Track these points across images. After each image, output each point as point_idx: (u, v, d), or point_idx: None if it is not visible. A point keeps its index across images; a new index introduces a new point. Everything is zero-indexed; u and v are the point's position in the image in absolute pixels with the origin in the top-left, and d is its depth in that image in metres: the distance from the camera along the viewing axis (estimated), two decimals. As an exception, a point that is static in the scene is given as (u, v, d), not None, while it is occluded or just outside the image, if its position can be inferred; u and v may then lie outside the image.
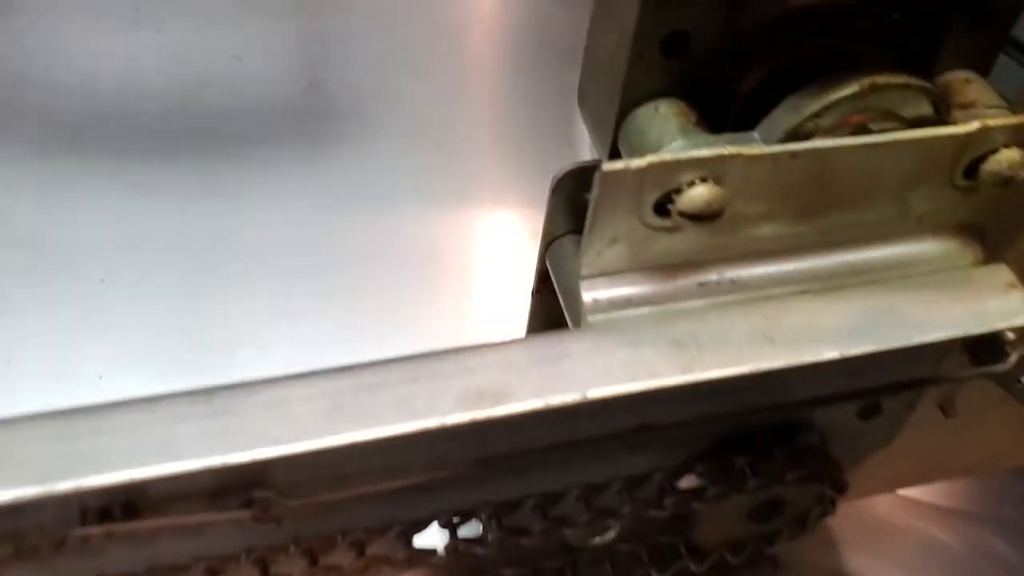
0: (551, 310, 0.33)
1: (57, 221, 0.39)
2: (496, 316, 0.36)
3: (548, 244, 0.30)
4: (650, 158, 0.22)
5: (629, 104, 0.25)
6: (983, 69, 0.27)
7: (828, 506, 0.31)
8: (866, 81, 0.23)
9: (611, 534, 0.32)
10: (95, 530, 0.22)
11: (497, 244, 0.37)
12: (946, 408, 0.36)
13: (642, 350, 0.24)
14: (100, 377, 0.34)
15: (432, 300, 0.38)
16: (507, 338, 0.24)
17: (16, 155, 0.41)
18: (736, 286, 0.25)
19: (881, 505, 0.42)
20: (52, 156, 0.41)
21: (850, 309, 0.25)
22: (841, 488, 0.31)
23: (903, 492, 0.42)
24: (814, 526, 0.32)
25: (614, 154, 0.26)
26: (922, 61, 0.26)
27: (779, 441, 0.30)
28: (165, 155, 0.41)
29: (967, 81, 0.26)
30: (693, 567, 0.32)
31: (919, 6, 0.24)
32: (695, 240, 0.25)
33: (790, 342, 0.24)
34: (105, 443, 0.21)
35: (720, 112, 0.25)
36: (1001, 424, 0.39)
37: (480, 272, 0.39)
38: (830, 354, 0.24)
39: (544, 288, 0.32)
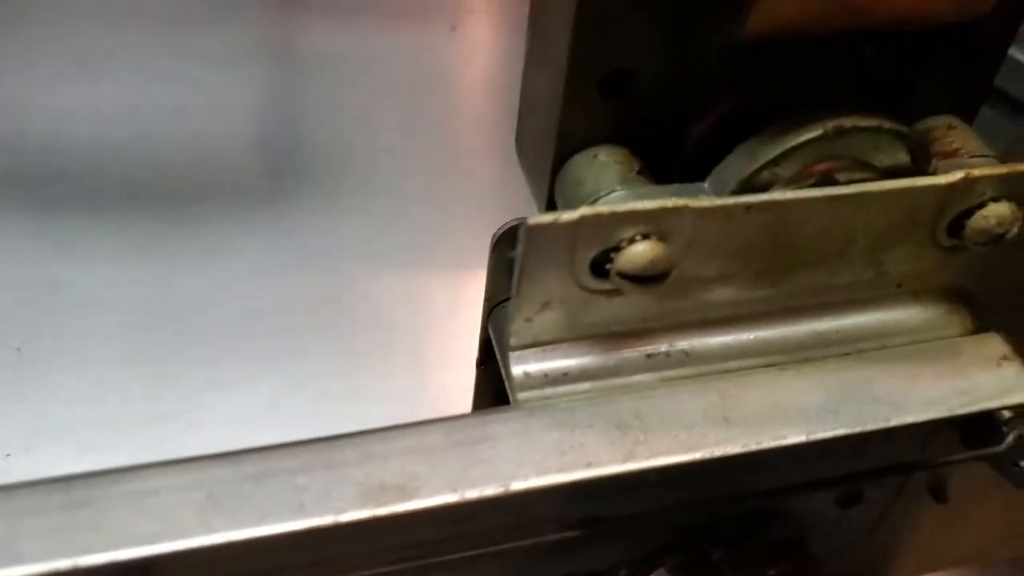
0: (499, 382, 0.30)
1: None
2: (448, 388, 0.32)
3: (490, 310, 0.27)
4: (583, 210, 0.19)
5: (565, 151, 0.22)
6: (968, 114, 0.24)
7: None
8: (830, 124, 0.20)
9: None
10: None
11: (451, 308, 0.34)
12: (938, 493, 0.32)
13: (578, 433, 0.20)
14: (8, 455, 0.31)
15: (378, 370, 0.35)
16: (458, 412, 0.21)
17: None
18: (690, 358, 0.22)
19: None
20: None
21: (819, 385, 0.22)
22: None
23: None
24: None
25: (551, 206, 0.23)
26: (899, 104, 0.23)
27: (749, 533, 0.27)
28: (94, 215, 0.38)
29: (950, 127, 0.23)
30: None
31: (895, 42, 0.21)
32: (641, 305, 0.21)
33: (749, 423, 0.21)
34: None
35: (668, 160, 0.23)
36: (999, 510, 0.35)
37: (431, 339, 0.36)
38: (795, 438, 0.21)
39: (489, 358, 0.29)
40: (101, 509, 0.18)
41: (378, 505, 0.19)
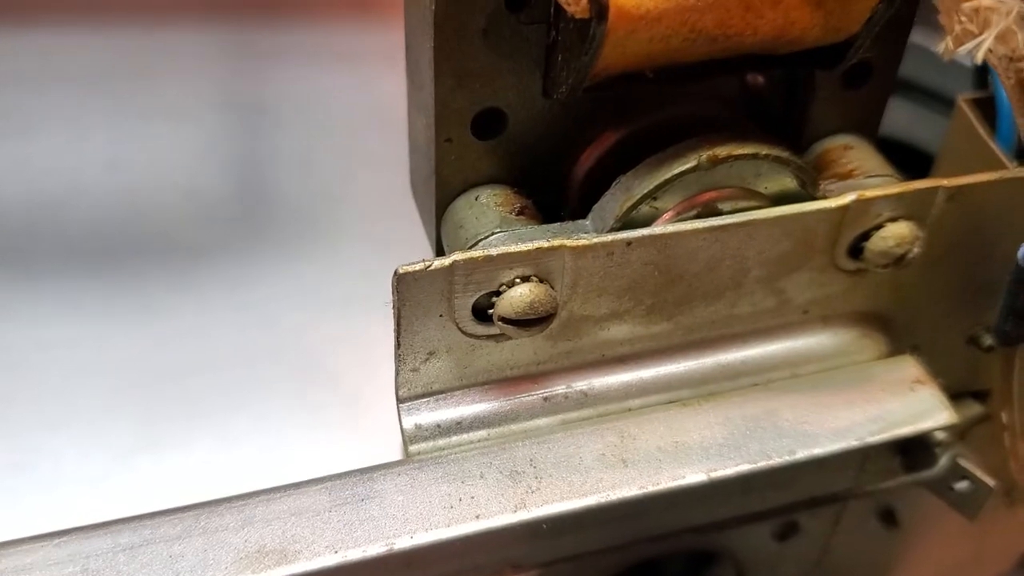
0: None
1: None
2: (392, 433, 0.31)
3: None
4: (455, 256, 0.19)
5: (447, 193, 0.21)
6: (868, 132, 0.24)
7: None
8: (704, 155, 0.19)
9: None
10: None
11: (391, 354, 0.33)
12: (886, 519, 0.31)
13: (468, 484, 0.20)
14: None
15: (318, 420, 0.35)
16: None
17: None
18: (589, 399, 0.21)
19: None
20: None
21: (722, 421, 0.21)
22: None
23: None
24: None
25: (440, 250, 0.22)
26: (795, 127, 0.23)
27: (683, 572, 0.26)
28: (26, 274, 0.38)
29: (847, 147, 0.23)
30: None
31: (777, 66, 0.21)
32: (534, 347, 0.21)
33: (648, 464, 0.20)
34: None
35: (559, 197, 0.22)
36: (959, 533, 0.34)
37: (373, 387, 0.36)
38: (694, 477, 0.20)
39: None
40: None
41: (255, 571, 0.18)
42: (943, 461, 0.25)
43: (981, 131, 0.27)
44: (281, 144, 0.44)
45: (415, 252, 0.33)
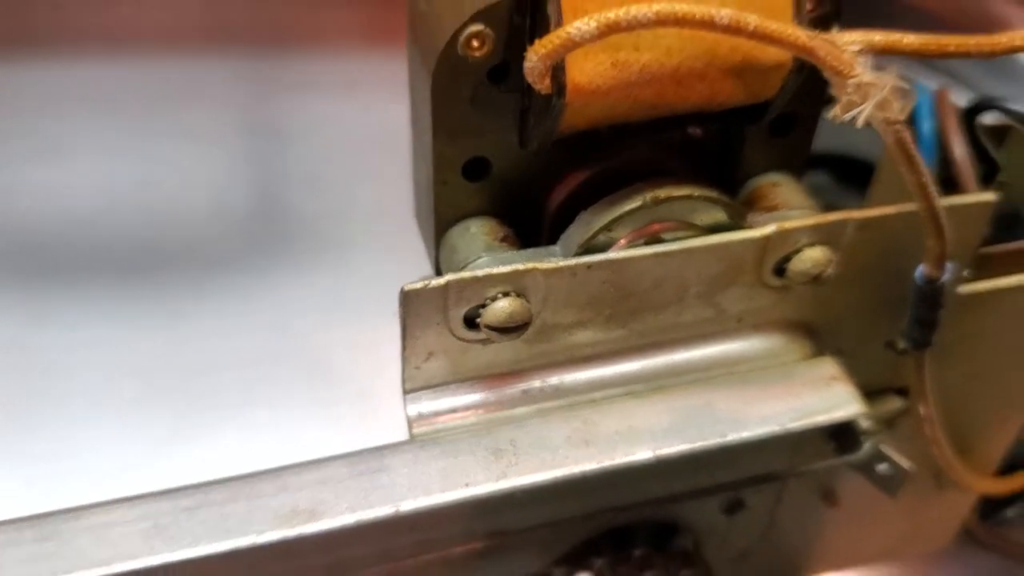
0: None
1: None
2: (397, 423, 0.36)
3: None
4: (449, 277, 0.23)
5: (444, 224, 0.26)
6: (795, 169, 0.28)
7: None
8: (648, 196, 0.24)
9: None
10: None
11: (396, 354, 0.38)
12: (827, 498, 0.36)
13: (461, 459, 0.24)
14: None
15: (331, 413, 0.39)
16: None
17: None
18: (559, 391, 0.26)
19: None
20: None
21: (668, 409, 0.26)
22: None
23: None
24: None
25: (438, 269, 0.27)
26: (730, 168, 0.28)
27: (646, 540, 0.31)
28: (65, 283, 0.43)
29: (774, 185, 0.28)
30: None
31: (713, 120, 0.25)
32: (514, 350, 0.26)
33: (605, 444, 0.25)
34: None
35: (535, 227, 0.27)
36: (898, 510, 0.39)
37: (380, 383, 0.40)
38: (643, 455, 0.25)
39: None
40: (65, 540, 0.23)
41: (290, 527, 0.23)
42: (867, 447, 0.30)
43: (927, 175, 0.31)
44: (295, 165, 0.49)
45: (418, 263, 0.38)
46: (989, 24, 0.55)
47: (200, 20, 0.52)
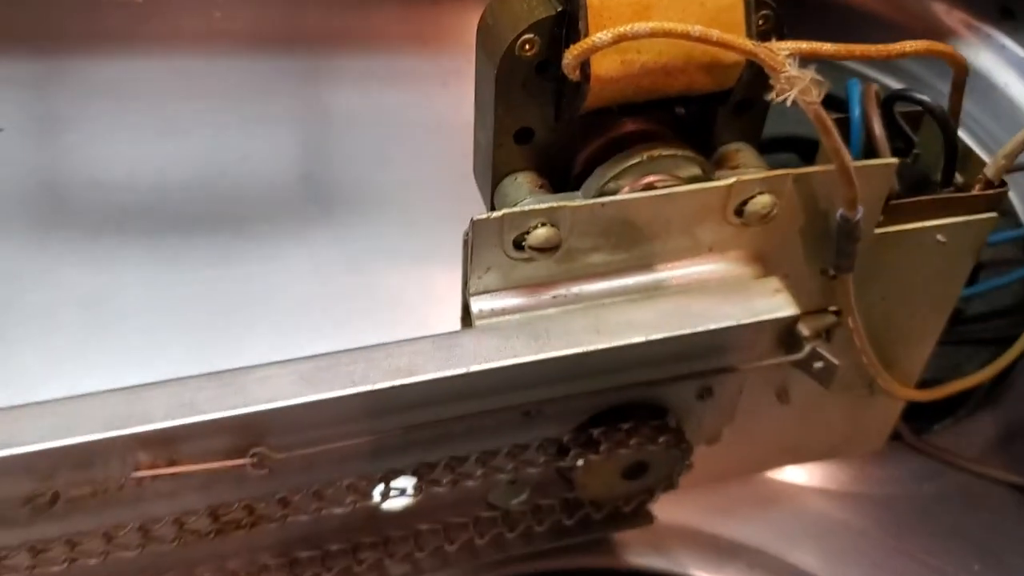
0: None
1: (106, 287, 0.51)
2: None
3: (466, 282, 0.42)
4: (504, 211, 0.34)
5: (499, 176, 0.36)
6: (753, 140, 0.39)
7: (679, 469, 0.42)
8: (645, 154, 0.34)
9: (524, 496, 0.43)
10: (145, 473, 0.33)
11: (448, 289, 0.48)
12: (781, 396, 0.46)
13: (510, 340, 0.34)
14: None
15: (397, 335, 0.50)
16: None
17: (73, 238, 0.53)
18: (579, 297, 0.36)
19: (773, 486, 0.52)
20: (103, 238, 0.53)
21: (656, 309, 0.36)
22: (684, 446, 0.40)
23: (798, 479, 0.52)
24: (664, 486, 0.42)
25: (493, 210, 0.37)
26: (705, 137, 0.38)
27: (639, 416, 0.41)
28: (188, 234, 0.53)
29: (737, 150, 0.38)
30: (593, 514, 0.43)
31: (693, 102, 0.36)
32: (547, 267, 0.36)
33: (611, 332, 0.35)
34: (152, 406, 0.32)
35: (565, 178, 0.37)
36: (840, 414, 0.49)
37: (436, 312, 0.51)
38: (637, 338, 0.35)
39: (467, 316, 0.43)
40: (240, 386, 0.33)
41: (395, 379, 0.33)
42: (807, 348, 0.40)
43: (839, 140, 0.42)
44: (359, 146, 0.59)
45: (463, 218, 0.48)
46: (929, 25, 0.65)
47: (269, 25, 0.63)
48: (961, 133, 0.60)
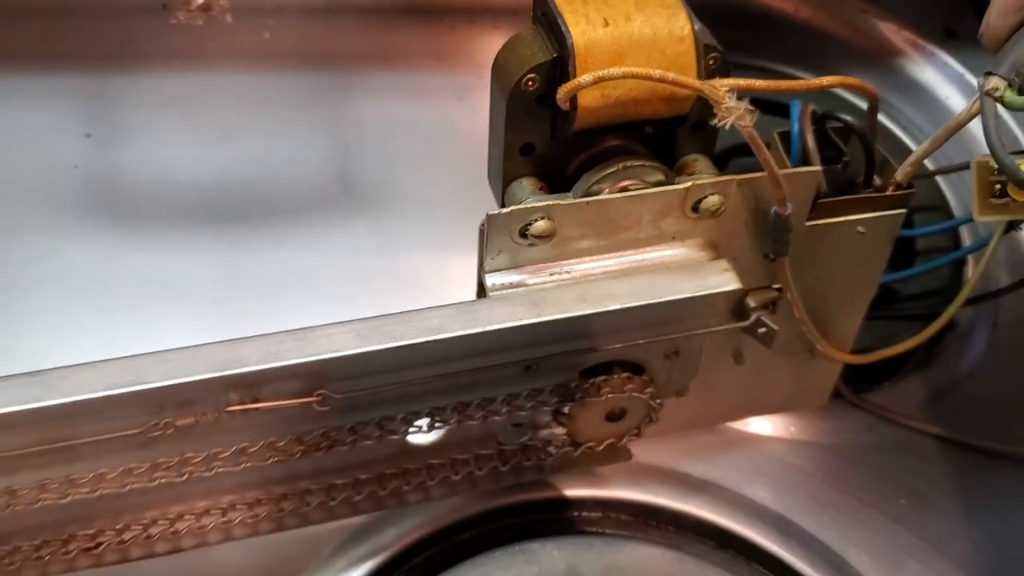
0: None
1: (182, 268, 0.61)
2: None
3: (481, 263, 0.52)
4: (512, 208, 0.44)
5: (507, 180, 0.46)
6: (708, 152, 0.49)
7: (652, 414, 0.52)
8: (620, 164, 0.44)
9: (526, 438, 0.53)
10: (236, 408, 0.44)
11: (463, 273, 0.58)
12: (736, 357, 0.56)
13: (516, 307, 0.44)
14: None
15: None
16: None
17: (153, 228, 0.63)
18: (570, 275, 0.46)
19: (733, 434, 0.61)
20: (177, 228, 0.63)
21: (631, 284, 0.45)
22: (654, 396, 0.50)
23: (755, 429, 0.61)
24: (640, 428, 0.52)
25: (503, 207, 0.48)
26: (668, 150, 0.48)
27: (619, 370, 0.51)
28: (247, 224, 0.63)
29: (694, 160, 0.48)
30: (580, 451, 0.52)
31: (658, 124, 0.46)
32: (545, 251, 0.46)
33: (595, 301, 0.45)
34: (245, 355, 0.42)
35: (559, 182, 0.47)
36: (787, 374, 0.59)
37: (453, 292, 0.60)
38: (615, 306, 0.44)
39: (481, 290, 0.53)
40: (309, 341, 0.43)
41: (429, 335, 0.43)
42: (753, 317, 0.50)
43: (782, 150, 0.52)
44: (387, 150, 0.69)
45: (475, 212, 0.58)
46: (880, 45, 0.75)
47: (310, 44, 0.72)
48: (906, 139, 0.71)
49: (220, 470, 0.46)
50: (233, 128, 0.67)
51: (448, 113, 0.68)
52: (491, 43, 0.69)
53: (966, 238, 0.66)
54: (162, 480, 0.45)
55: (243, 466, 0.46)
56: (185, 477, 0.45)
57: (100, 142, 0.64)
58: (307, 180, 0.66)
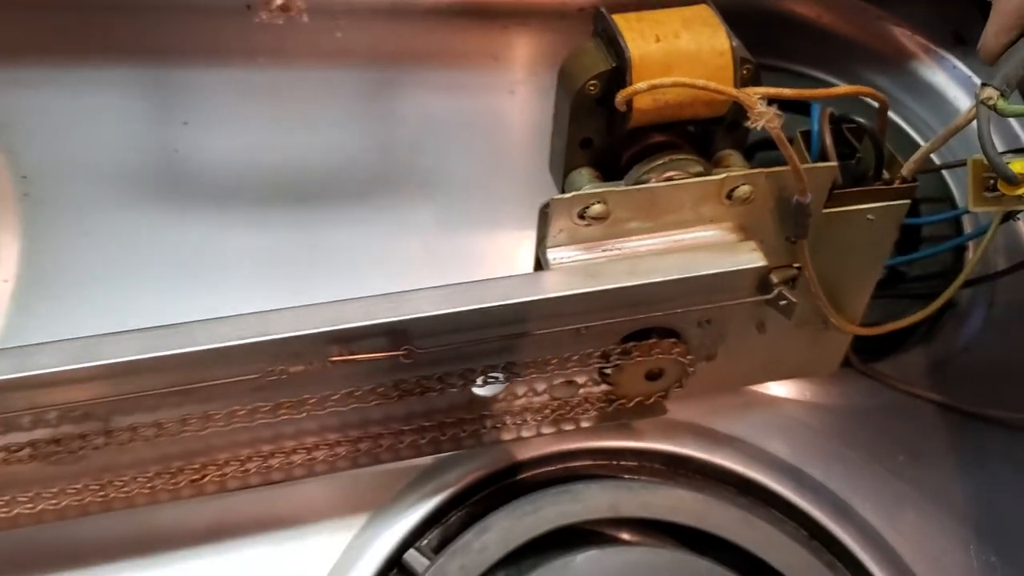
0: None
1: (267, 244, 0.69)
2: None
3: (542, 240, 0.59)
4: (573, 194, 0.51)
5: (568, 169, 0.54)
6: (740, 147, 0.56)
7: (685, 375, 0.59)
8: (666, 157, 0.52)
9: (573, 393, 0.61)
10: (337, 359, 0.51)
11: (514, 249, 0.65)
12: (759, 328, 0.64)
13: (573, 278, 0.52)
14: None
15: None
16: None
17: (245, 208, 0.70)
18: (621, 252, 0.53)
19: (755, 396, 0.67)
20: (264, 208, 0.70)
21: (674, 260, 0.52)
22: (688, 359, 0.58)
23: (774, 392, 0.69)
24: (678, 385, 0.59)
25: (564, 192, 0.55)
26: (707, 145, 0.56)
27: (658, 336, 0.58)
28: (294, 204, 0.69)
29: (729, 155, 0.55)
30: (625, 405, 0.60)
31: (699, 123, 0.54)
32: (600, 230, 0.53)
33: (641, 273, 0.52)
34: (348, 315, 0.50)
35: (613, 172, 0.55)
36: (803, 343, 0.66)
37: (502, 264, 0.68)
38: (658, 278, 0.52)
39: (539, 266, 0.61)
40: (402, 303, 0.51)
41: (465, 305, 0.50)
42: (775, 291, 0.56)
43: (803, 147, 0.59)
44: (447, 141, 0.75)
45: (531, 197, 0.65)
46: (894, 49, 0.82)
47: (379, 43, 0.78)
48: (916, 136, 0.79)
49: (311, 413, 0.53)
50: (311, 118, 0.72)
51: (501, 107, 0.75)
52: (540, 43, 0.75)
53: (967, 226, 0.71)
54: (261, 421, 0.53)
55: (328, 410, 0.53)
56: (280, 418, 0.53)
57: (196, 129, 0.71)
58: (378, 168, 0.71)
